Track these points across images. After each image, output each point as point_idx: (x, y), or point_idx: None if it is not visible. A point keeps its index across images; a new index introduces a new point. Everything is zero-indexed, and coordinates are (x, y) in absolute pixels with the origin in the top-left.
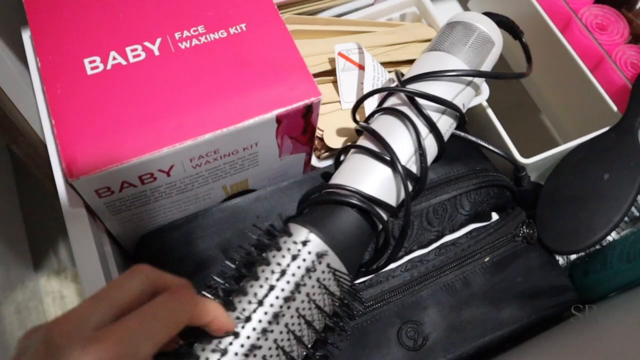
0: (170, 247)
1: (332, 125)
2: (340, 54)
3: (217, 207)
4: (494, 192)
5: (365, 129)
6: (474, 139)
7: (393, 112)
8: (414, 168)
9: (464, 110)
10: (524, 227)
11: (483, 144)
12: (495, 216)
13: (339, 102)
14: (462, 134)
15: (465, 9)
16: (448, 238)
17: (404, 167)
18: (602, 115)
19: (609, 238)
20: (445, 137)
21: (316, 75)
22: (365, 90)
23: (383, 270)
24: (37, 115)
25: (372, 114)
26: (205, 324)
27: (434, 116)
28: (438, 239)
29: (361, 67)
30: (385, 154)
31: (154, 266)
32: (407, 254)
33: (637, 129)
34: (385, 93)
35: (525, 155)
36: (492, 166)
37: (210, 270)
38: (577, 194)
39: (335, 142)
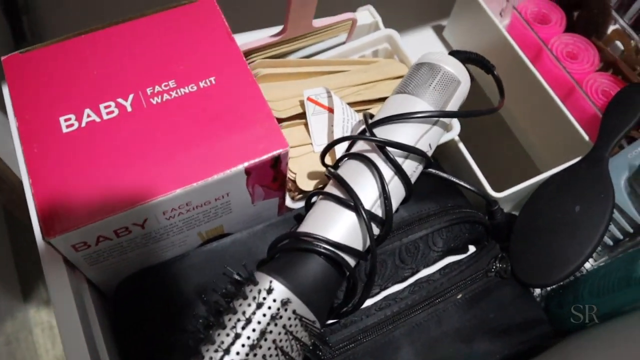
0: (148, 292)
1: (304, 168)
2: (309, 99)
3: (193, 251)
4: (466, 228)
5: (331, 175)
6: (445, 175)
7: (359, 157)
8: (379, 212)
9: (431, 150)
10: (497, 262)
11: (454, 180)
12: (472, 248)
13: (312, 144)
14: (433, 171)
15: (441, 38)
16: (424, 273)
17: (368, 212)
18: (575, 145)
19: (587, 266)
20: (413, 178)
21: (289, 118)
22: (336, 134)
23: (362, 308)
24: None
25: (341, 158)
26: None
27: (399, 159)
28: (413, 274)
29: (331, 111)
30: (350, 200)
31: (133, 310)
32: (382, 290)
33: (607, 160)
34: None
35: (503, 186)
36: (465, 201)
37: (187, 314)
38: (549, 226)
39: (308, 185)
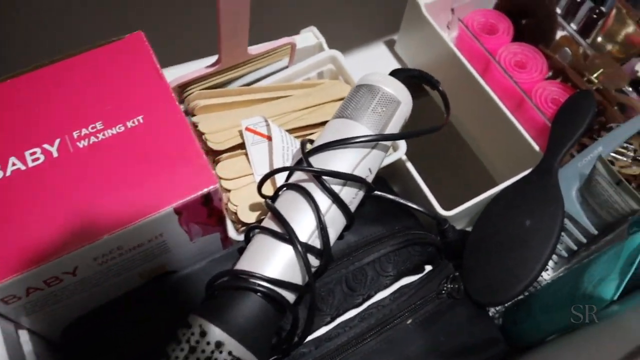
0: (94, 335)
1: (246, 199)
2: (247, 129)
3: (136, 291)
4: (416, 250)
5: (268, 208)
6: (391, 197)
7: (295, 187)
8: (318, 243)
9: (372, 174)
10: (448, 282)
11: (401, 201)
12: (430, 267)
13: (253, 175)
14: (379, 193)
15: (394, 52)
16: (377, 297)
17: (304, 245)
18: (527, 156)
19: (546, 277)
20: (353, 204)
21: (230, 149)
22: (275, 163)
23: (313, 339)
24: None
25: (280, 188)
26: None
27: (337, 187)
28: (365, 300)
29: (270, 139)
30: (286, 234)
31: (79, 356)
32: (335, 318)
33: (557, 170)
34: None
35: (462, 199)
36: (415, 222)
37: (134, 355)
38: (501, 243)
39: (250, 217)
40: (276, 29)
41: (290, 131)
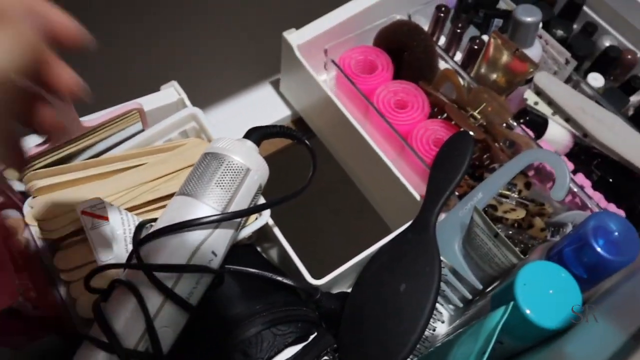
0: None
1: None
2: (84, 213)
3: None
4: (280, 329)
5: (93, 311)
6: (254, 271)
7: (125, 284)
8: (149, 345)
9: (219, 255)
10: (328, 355)
11: (264, 275)
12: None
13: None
14: (239, 268)
15: (279, 93)
16: None
17: (131, 352)
18: (411, 206)
19: (442, 332)
20: (196, 294)
21: (70, 235)
22: (115, 250)
23: None
24: None
25: (112, 284)
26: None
27: (170, 282)
28: None
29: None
30: (109, 342)
31: None
32: None
33: (434, 225)
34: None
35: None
36: (284, 294)
37: None
38: (374, 312)
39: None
40: (140, 85)
41: (141, 206)
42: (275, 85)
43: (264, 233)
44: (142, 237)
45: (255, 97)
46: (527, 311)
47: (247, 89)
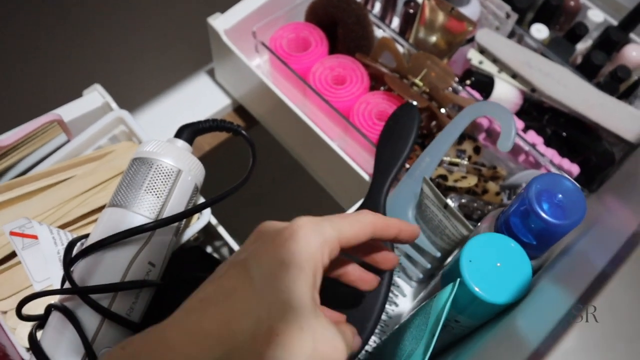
0: None
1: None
2: (12, 234)
3: None
4: None
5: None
6: (199, 274)
7: (60, 309)
8: None
9: (159, 265)
10: None
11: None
12: None
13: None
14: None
15: (216, 82)
16: None
17: None
18: (362, 188)
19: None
20: (137, 309)
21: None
22: (48, 270)
23: None
24: None
25: (48, 309)
26: (394, 237)
27: (106, 301)
28: None
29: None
30: None
31: None
32: None
33: (384, 204)
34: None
35: None
36: None
37: None
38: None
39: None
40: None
41: (74, 222)
42: (212, 74)
43: (210, 233)
44: (72, 256)
45: (191, 89)
46: (476, 288)
47: (181, 82)
